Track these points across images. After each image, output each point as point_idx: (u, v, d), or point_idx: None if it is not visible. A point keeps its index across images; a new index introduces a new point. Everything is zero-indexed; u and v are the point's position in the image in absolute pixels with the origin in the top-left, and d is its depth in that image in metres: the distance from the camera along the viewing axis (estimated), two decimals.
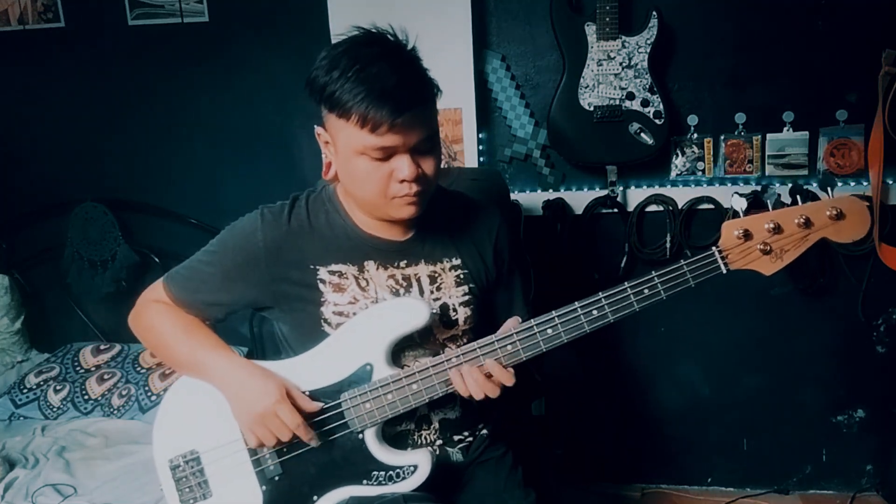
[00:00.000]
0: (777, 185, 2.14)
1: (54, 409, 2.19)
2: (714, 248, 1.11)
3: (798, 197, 1.10)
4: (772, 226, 1.08)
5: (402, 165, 1.13)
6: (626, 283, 1.13)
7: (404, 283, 1.27)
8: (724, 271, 1.11)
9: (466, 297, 1.30)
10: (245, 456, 1.25)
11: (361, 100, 1.08)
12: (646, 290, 1.13)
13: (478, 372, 1.15)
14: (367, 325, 1.22)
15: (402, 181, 1.15)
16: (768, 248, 1.09)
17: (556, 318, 1.15)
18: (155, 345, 1.34)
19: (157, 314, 1.31)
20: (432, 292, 1.28)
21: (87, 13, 2.39)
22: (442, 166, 2.26)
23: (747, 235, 1.09)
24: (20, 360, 2.46)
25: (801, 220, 1.07)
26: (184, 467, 1.27)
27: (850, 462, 2.36)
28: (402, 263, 1.28)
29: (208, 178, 2.45)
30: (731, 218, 1.13)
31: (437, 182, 1.39)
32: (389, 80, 1.09)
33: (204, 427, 1.27)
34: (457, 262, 1.31)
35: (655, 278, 1.13)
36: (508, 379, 1.15)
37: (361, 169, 1.15)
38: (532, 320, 1.17)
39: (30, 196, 2.53)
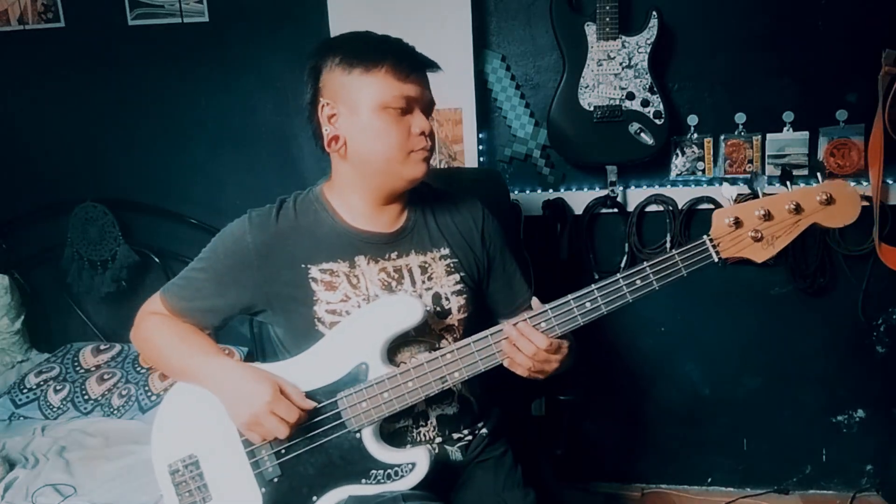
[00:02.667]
0: (777, 184, 2.14)
1: (54, 409, 2.19)
2: (705, 236, 1.11)
3: (788, 183, 1.10)
4: (762, 212, 1.08)
5: (420, 119, 1.24)
6: (618, 274, 1.14)
7: (396, 276, 1.28)
8: (716, 260, 1.11)
9: (458, 287, 1.32)
10: (244, 458, 1.25)
11: (391, 51, 1.21)
12: (638, 281, 1.14)
13: (517, 334, 1.16)
14: (361, 324, 1.22)
15: (421, 134, 1.22)
16: (759, 235, 1.09)
17: (549, 312, 1.17)
18: (153, 355, 1.35)
19: (153, 325, 1.32)
20: (424, 282, 1.29)
21: (87, 13, 2.39)
22: (442, 166, 2.29)
23: (738, 223, 1.09)
24: (20, 360, 2.45)
25: (792, 206, 1.07)
26: (183, 472, 1.27)
27: (850, 462, 2.36)
28: (393, 255, 1.29)
29: (208, 177, 2.45)
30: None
31: (424, 180, 1.43)
32: (404, 42, 1.25)
33: (202, 431, 1.27)
34: (446, 251, 1.33)
35: (647, 268, 1.13)
36: (542, 340, 1.15)
37: (383, 124, 1.21)
38: (525, 314, 1.18)
39: (30, 196, 2.53)
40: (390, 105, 1.20)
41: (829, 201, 1.06)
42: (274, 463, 1.23)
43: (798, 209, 1.07)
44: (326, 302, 1.25)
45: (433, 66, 1.27)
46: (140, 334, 1.34)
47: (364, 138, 1.23)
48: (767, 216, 1.08)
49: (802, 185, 2.10)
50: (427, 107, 1.27)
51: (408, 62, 1.22)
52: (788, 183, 1.10)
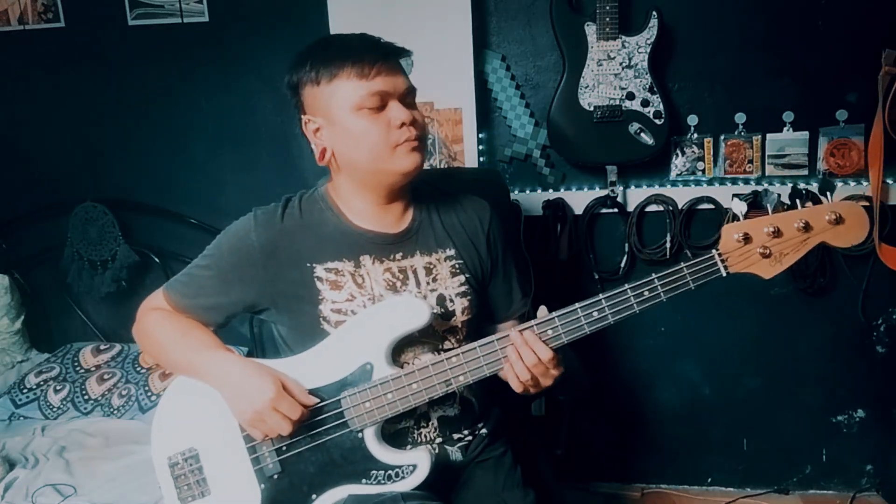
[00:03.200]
0: (777, 184, 2.14)
1: (54, 409, 2.19)
2: (714, 251, 1.12)
3: (798, 200, 1.10)
4: (771, 230, 1.08)
5: (397, 111, 1.20)
6: (626, 284, 1.14)
7: (400, 276, 1.28)
8: (724, 274, 1.12)
9: (463, 288, 1.31)
10: (244, 454, 1.25)
11: (350, 53, 1.19)
12: (646, 293, 1.14)
13: (530, 351, 1.15)
14: (367, 324, 1.22)
15: (402, 125, 1.20)
16: (768, 251, 1.09)
17: (556, 320, 1.16)
18: (154, 350, 1.34)
19: (156, 320, 1.32)
20: (428, 283, 1.29)
21: (87, 13, 2.39)
22: (442, 166, 2.29)
23: (747, 239, 1.09)
24: (20, 360, 2.45)
25: (801, 225, 1.08)
26: (182, 465, 1.27)
27: (850, 462, 2.36)
28: (398, 256, 1.29)
29: (208, 177, 2.45)
30: (731, 220, 1.13)
31: (430, 181, 1.42)
32: (367, 38, 1.23)
33: (203, 425, 1.27)
34: (451, 252, 1.32)
35: (655, 280, 1.13)
36: (544, 352, 1.15)
37: (361, 126, 1.20)
38: (532, 321, 1.18)
39: (30, 196, 2.53)
40: (363, 105, 1.19)
41: (839, 221, 1.06)
42: (274, 459, 1.23)
43: (807, 227, 1.07)
44: (332, 301, 1.25)
45: (402, 52, 1.25)
46: (142, 329, 1.34)
47: (347, 145, 1.23)
48: (777, 233, 1.08)
49: (802, 184, 2.13)
50: (405, 95, 1.23)
51: (369, 57, 1.19)
52: (798, 201, 1.10)
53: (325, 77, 1.20)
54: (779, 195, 1.12)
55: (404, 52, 1.25)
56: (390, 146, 1.21)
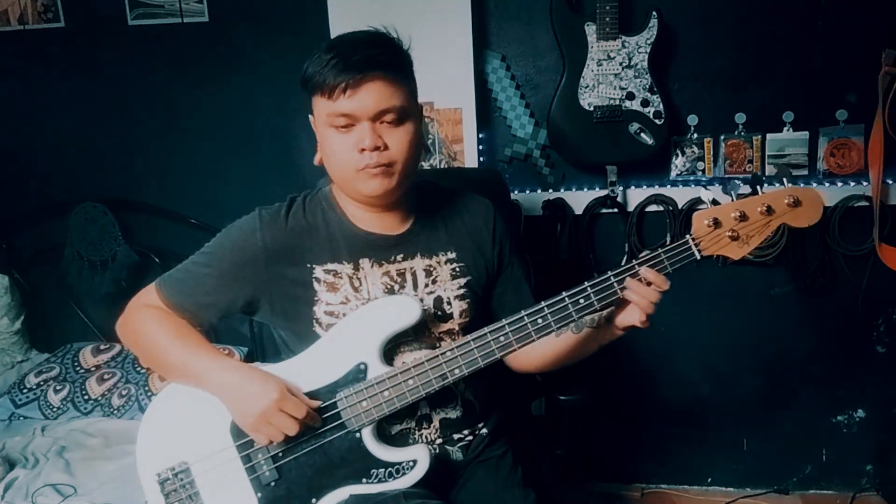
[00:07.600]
0: (777, 185, 2.14)
1: (54, 409, 2.19)
2: (688, 235, 1.18)
3: (758, 188, 1.18)
4: (738, 214, 1.16)
5: (363, 134, 1.17)
6: (609, 272, 1.18)
7: (399, 279, 1.28)
8: (699, 257, 1.18)
9: (462, 291, 1.31)
10: (238, 463, 1.22)
11: (322, 68, 1.15)
12: (628, 278, 1.18)
13: (638, 284, 1.16)
14: (359, 324, 1.22)
15: (363, 150, 1.17)
16: (736, 234, 1.17)
17: (545, 308, 1.18)
18: (144, 350, 1.30)
19: (147, 318, 1.28)
20: (427, 285, 1.29)
21: (87, 13, 2.39)
22: (441, 166, 2.28)
23: (717, 223, 1.16)
24: (20, 360, 2.45)
25: (764, 209, 1.16)
26: (173, 480, 1.22)
27: (850, 462, 2.36)
28: (399, 257, 1.29)
29: (208, 177, 2.45)
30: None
31: (434, 181, 1.41)
32: (351, 50, 1.15)
33: (193, 437, 1.23)
34: (452, 255, 1.32)
35: (636, 266, 1.18)
36: (663, 282, 1.16)
37: (331, 141, 1.20)
38: (522, 311, 1.19)
39: (30, 196, 2.53)
40: (331, 123, 1.18)
41: (796, 203, 1.15)
42: (271, 467, 1.21)
43: (769, 210, 1.15)
44: (326, 303, 1.24)
45: (382, 68, 1.15)
46: (131, 326, 1.30)
47: (324, 156, 1.24)
48: (742, 217, 1.16)
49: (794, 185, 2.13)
50: (385, 116, 1.17)
51: (340, 77, 1.13)
52: (759, 187, 1.18)
53: (308, 84, 1.20)
54: (739, 183, 1.22)
55: (396, 71, 1.18)
56: (353, 168, 1.19)
